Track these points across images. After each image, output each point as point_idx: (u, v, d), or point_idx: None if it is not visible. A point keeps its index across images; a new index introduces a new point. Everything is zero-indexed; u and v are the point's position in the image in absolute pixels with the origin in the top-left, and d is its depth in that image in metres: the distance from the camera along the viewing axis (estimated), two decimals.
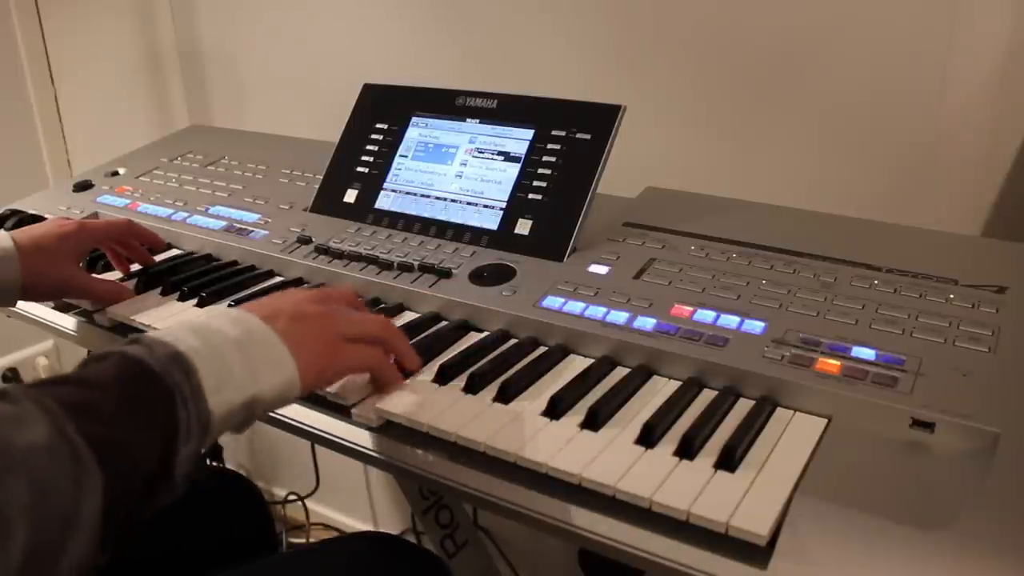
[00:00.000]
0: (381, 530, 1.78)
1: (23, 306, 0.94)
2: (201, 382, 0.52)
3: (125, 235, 0.93)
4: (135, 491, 0.47)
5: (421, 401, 0.66)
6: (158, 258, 0.98)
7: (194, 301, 0.85)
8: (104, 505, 0.44)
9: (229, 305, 0.83)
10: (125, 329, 0.85)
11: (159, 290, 0.88)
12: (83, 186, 1.19)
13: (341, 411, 0.67)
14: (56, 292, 0.88)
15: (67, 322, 0.91)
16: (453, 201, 0.93)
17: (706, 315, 0.71)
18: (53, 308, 0.92)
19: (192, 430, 0.51)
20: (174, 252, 1.01)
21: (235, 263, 0.96)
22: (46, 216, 1.09)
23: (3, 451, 0.41)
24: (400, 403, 0.65)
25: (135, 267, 0.96)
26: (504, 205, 0.89)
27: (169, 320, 0.82)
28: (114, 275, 0.95)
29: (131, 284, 0.90)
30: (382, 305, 0.84)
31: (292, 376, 0.58)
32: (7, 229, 1.06)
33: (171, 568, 0.88)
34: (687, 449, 0.58)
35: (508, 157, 0.91)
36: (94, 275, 0.92)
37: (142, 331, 0.83)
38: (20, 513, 0.40)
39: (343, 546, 0.86)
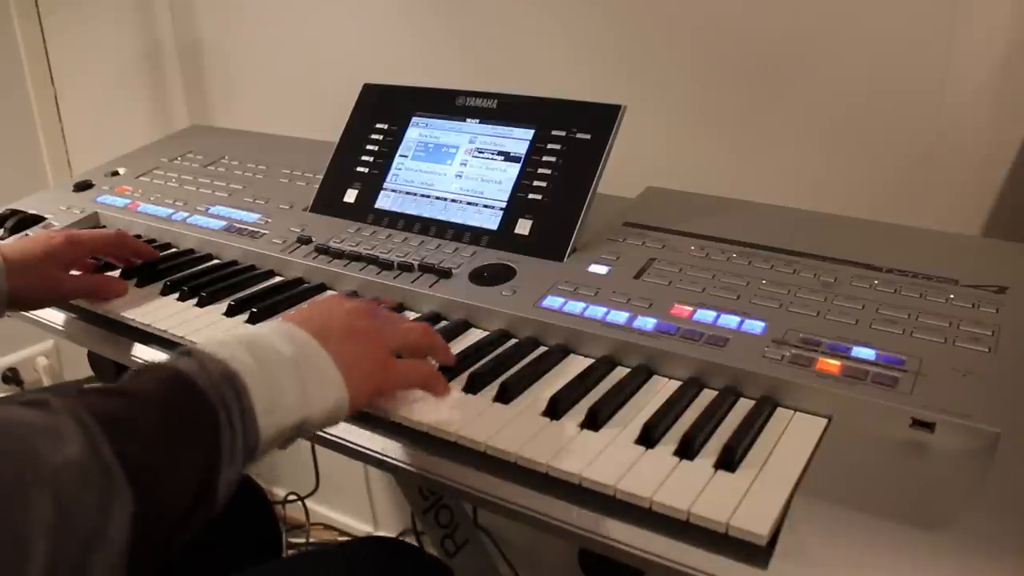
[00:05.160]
0: (381, 531, 1.79)
1: None
2: (253, 403, 0.50)
3: (114, 247, 0.92)
4: (170, 514, 0.46)
5: (422, 401, 0.66)
6: (157, 256, 0.98)
7: (194, 301, 0.85)
8: (133, 527, 0.43)
9: (230, 305, 0.83)
10: (125, 329, 0.85)
11: (159, 289, 0.89)
12: (83, 186, 1.19)
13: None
14: (45, 301, 0.88)
15: (67, 322, 0.91)
16: (453, 201, 0.93)
17: (706, 315, 0.71)
18: (53, 308, 0.92)
19: (236, 452, 0.49)
20: (173, 251, 1.01)
21: (235, 263, 0.96)
22: (46, 216, 1.10)
23: (34, 465, 0.40)
24: (400, 404, 0.65)
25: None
26: (504, 205, 0.89)
27: (169, 320, 0.82)
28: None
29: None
30: (382, 305, 0.84)
31: (342, 398, 0.57)
32: (7, 229, 1.07)
33: (173, 569, 0.88)
34: (687, 449, 0.58)
35: (508, 157, 0.91)
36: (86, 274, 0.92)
37: (142, 331, 0.83)
38: (42, 532, 0.39)
39: (346, 551, 0.87)
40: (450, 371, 0.69)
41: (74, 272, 0.89)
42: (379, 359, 0.62)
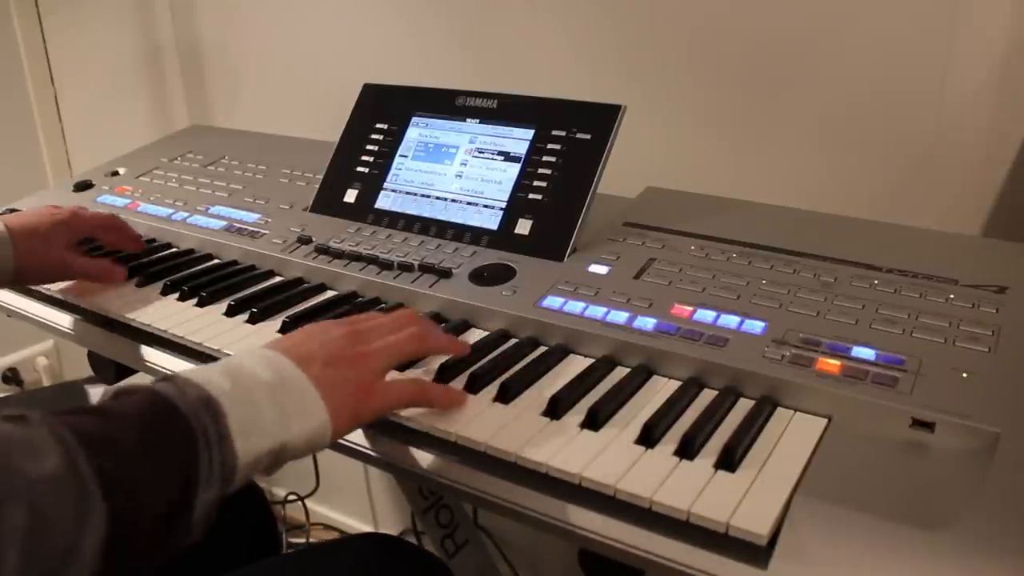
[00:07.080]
0: (381, 530, 1.78)
1: (23, 306, 0.94)
2: (229, 427, 0.51)
3: (113, 231, 0.95)
4: (143, 530, 0.46)
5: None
6: (157, 256, 0.98)
7: (194, 301, 0.85)
8: (106, 542, 0.43)
9: (230, 305, 0.83)
10: (125, 329, 0.85)
11: (159, 289, 0.89)
12: (83, 186, 1.19)
13: None
14: (50, 275, 0.90)
15: (67, 322, 0.91)
16: (453, 201, 0.93)
17: (706, 315, 0.71)
18: (53, 307, 0.92)
19: (215, 474, 0.49)
20: (173, 251, 1.01)
21: (235, 263, 0.96)
22: None
23: (9, 477, 0.41)
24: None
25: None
26: (504, 205, 0.89)
27: (169, 320, 0.82)
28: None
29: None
30: (382, 305, 0.84)
31: (323, 423, 0.57)
32: None
33: (173, 568, 0.87)
34: (687, 449, 0.58)
35: (508, 157, 0.91)
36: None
37: (142, 331, 0.83)
38: (14, 542, 0.39)
39: (344, 547, 0.86)
40: (452, 371, 0.69)
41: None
42: (365, 383, 0.60)
